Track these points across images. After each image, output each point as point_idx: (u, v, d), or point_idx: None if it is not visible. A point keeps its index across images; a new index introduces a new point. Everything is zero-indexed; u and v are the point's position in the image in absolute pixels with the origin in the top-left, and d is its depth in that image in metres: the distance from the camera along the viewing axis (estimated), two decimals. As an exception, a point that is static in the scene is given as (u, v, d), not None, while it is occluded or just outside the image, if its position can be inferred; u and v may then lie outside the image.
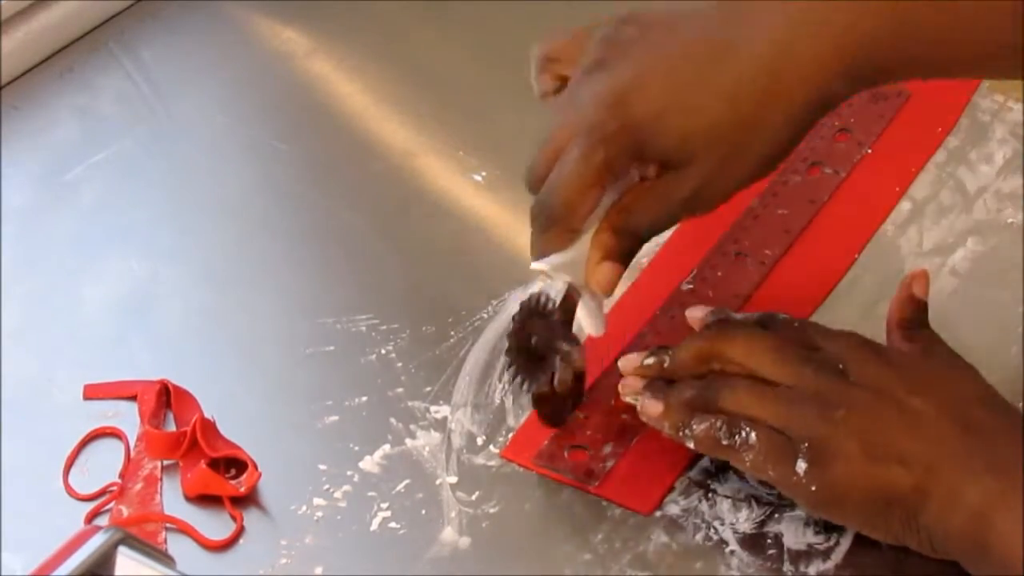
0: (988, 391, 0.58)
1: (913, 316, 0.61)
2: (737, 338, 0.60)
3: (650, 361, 0.62)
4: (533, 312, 0.63)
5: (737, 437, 0.58)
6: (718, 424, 0.58)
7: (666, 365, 0.62)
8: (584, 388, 0.66)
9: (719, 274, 0.71)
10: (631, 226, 0.60)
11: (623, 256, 0.61)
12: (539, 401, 0.64)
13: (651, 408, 0.60)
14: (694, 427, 0.59)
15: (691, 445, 0.59)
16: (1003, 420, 0.57)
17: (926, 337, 0.61)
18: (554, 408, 0.65)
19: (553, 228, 0.59)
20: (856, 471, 0.56)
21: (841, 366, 0.58)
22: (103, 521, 0.65)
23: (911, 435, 0.56)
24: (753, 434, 0.57)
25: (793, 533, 0.61)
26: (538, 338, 0.63)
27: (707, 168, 0.58)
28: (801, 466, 0.56)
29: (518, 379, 0.63)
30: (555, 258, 0.60)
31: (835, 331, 0.61)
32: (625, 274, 0.61)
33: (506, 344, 0.63)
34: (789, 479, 0.57)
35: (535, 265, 0.61)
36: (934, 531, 0.55)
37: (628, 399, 0.62)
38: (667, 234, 0.71)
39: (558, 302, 0.63)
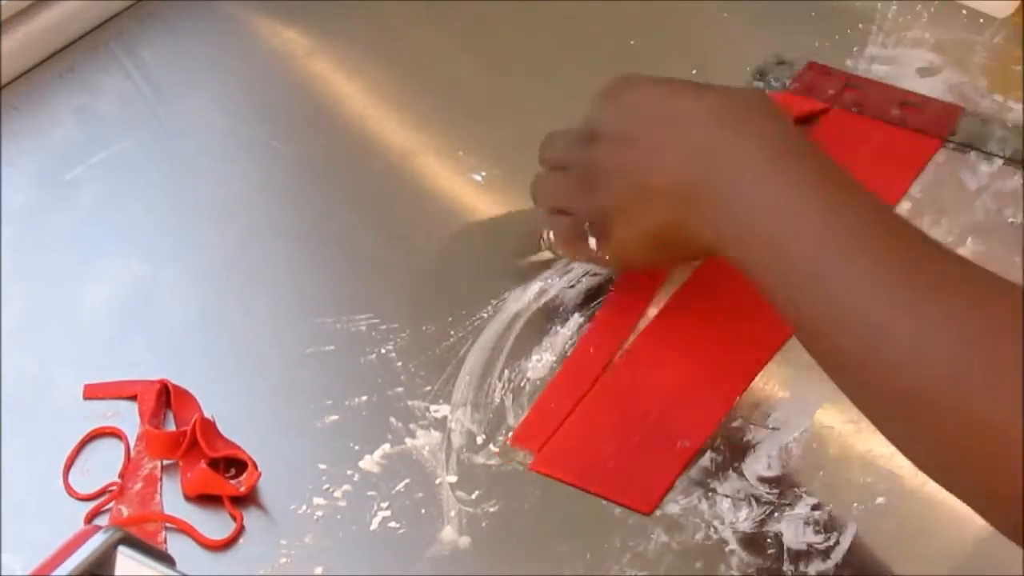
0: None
1: None
2: (548, 142, 0.68)
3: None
4: None
5: (550, 232, 0.66)
6: (545, 226, 0.66)
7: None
8: None
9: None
10: None
11: None
12: None
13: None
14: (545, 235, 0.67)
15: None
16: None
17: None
18: None
19: None
20: (629, 226, 0.62)
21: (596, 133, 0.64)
22: (103, 521, 0.65)
23: (656, 171, 0.60)
24: (552, 232, 0.66)
25: (793, 533, 0.61)
26: None
27: None
28: (592, 242, 0.64)
29: None
30: None
31: (611, 106, 0.65)
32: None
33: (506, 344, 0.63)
34: (591, 255, 0.65)
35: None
36: (696, 229, 0.60)
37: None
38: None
39: None
